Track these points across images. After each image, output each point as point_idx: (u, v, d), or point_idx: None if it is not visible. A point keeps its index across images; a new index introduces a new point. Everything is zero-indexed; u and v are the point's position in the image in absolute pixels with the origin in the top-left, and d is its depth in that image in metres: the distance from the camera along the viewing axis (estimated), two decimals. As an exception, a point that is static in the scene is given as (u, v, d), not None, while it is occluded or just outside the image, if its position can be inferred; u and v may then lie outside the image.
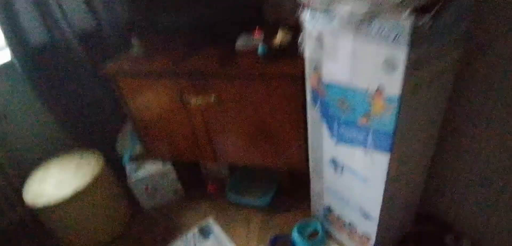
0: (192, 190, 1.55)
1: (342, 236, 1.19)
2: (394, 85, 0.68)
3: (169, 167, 1.44)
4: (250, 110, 1.10)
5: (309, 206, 1.34)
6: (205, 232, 1.34)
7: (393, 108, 0.71)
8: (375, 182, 0.88)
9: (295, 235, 1.25)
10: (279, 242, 1.25)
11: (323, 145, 1.01)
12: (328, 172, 1.07)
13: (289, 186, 1.44)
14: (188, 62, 1.11)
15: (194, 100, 1.12)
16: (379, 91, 0.71)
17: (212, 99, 1.09)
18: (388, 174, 0.83)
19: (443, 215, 1.18)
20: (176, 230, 1.38)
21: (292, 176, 1.42)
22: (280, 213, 1.38)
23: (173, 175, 1.47)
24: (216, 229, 1.35)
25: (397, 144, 0.77)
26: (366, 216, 1.00)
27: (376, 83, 0.71)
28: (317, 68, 0.85)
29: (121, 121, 1.53)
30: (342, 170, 0.99)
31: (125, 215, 1.43)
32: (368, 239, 1.04)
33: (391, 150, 0.78)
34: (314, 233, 1.26)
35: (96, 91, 1.45)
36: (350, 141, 0.89)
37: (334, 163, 1.01)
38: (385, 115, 0.73)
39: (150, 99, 1.21)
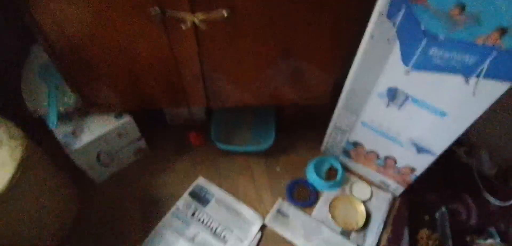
0: (157, 145, 1.14)
1: (367, 170, 1.06)
2: None
3: (127, 118, 0.98)
4: (278, 28, 0.73)
5: (316, 140, 1.14)
6: (200, 196, 1.02)
7: None
8: (461, 116, 0.71)
9: (312, 176, 1.06)
10: (298, 187, 1.05)
11: (383, 71, 0.76)
12: (374, 104, 0.85)
13: (291, 120, 1.18)
14: None
15: (190, 19, 0.68)
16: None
17: (224, 15, 0.67)
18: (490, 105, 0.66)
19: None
20: (155, 203, 1.01)
21: (296, 108, 1.15)
22: (284, 154, 1.14)
23: (134, 130, 1.02)
24: (214, 189, 1.04)
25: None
26: (421, 150, 0.86)
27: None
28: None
29: (25, 49, 0.92)
30: (403, 102, 0.79)
31: (72, 201, 0.96)
32: (413, 170, 0.93)
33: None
34: (331, 171, 1.10)
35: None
36: (441, 67, 0.66)
37: (393, 94, 0.79)
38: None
39: (87, 16, 0.69)
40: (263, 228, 0.96)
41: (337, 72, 0.87)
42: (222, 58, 0.80)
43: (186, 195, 1.02)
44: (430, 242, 0.94)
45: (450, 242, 0.94)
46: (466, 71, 0.64)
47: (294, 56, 0.81)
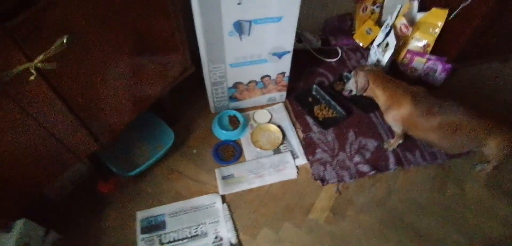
0: (69, 226, 1.00)
1: (254, 99, 1.23)
2: None
3: (21, 223, 0.83)
4: (119, 28, 0.76)
5: (204, 104, 1.23)
6: (153, 225, 0.97)
7: None
8: (291, 12, 0.93)
9: (224, 134, 1.17)
10: (222, 151, 1.14)
11: (222, 14, 0.89)
12: (231, 43, 0.98)
13: (173, 106, 1.21)
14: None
15: (32, 67, 0.63)
16: None
17: (63, 41, 0.65)
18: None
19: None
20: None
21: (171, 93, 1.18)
22: (189, 136, 1.19)
23: (36, 228, 0.88)
24: (158, 210, 1.00)
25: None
26: (280, 55, 1.06)
27: None
28: None
29: None
30: (249, 28, 0.95)
31: None
32: (284, 73, 1.14)
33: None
34: (232, 119, 1.22)
35: None
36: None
37: (239, 27, 0.93)
38: None
39: None
40: (224, 199, 1.03)
41: (185, 42, 0.96)
42: (89, 84, 0.76)
43: (139, 237, 0.95)
44: (324, 111, 1.23)
45: (332, 102, 1.23)
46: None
47: (147, 47, 0.86)
